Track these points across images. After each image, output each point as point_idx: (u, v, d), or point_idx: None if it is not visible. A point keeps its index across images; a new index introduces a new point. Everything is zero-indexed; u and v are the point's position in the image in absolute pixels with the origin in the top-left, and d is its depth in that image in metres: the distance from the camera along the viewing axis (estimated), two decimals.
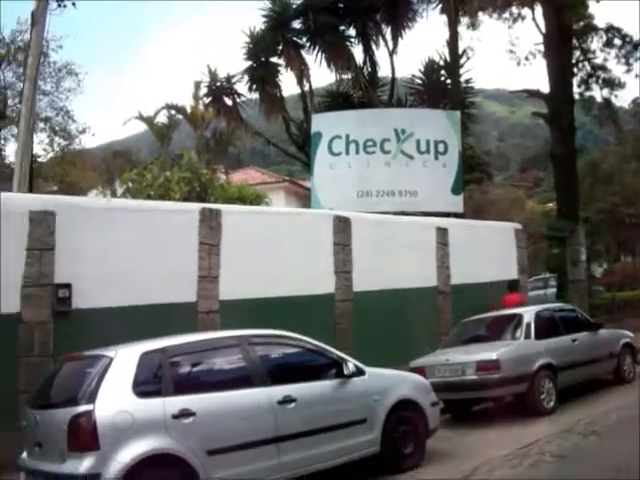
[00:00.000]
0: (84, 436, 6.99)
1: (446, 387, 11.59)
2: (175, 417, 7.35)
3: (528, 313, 13.20)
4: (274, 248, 13.82)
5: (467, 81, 27.10)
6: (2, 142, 29.64)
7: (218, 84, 26.98)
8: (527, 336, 12.62)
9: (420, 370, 11.89)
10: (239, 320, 11.21)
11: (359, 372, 9.03)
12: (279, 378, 8.33)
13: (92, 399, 7.12)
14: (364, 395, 8.97)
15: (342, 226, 15.28)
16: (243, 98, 27.27)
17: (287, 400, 8.16)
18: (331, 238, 15.05)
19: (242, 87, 26.86)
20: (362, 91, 25.93)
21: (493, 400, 12.90)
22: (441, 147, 21.12)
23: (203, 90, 28.86)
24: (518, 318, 13.08)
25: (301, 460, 8.20)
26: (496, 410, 12.69)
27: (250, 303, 13.00)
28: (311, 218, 15.83)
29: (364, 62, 26.96)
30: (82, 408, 7.08)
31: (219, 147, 34.62)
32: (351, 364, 8.95)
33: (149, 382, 7.54)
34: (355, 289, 15.18)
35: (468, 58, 27.13)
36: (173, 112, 36.64)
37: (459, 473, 8.70)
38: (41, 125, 27.58)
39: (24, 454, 8.11)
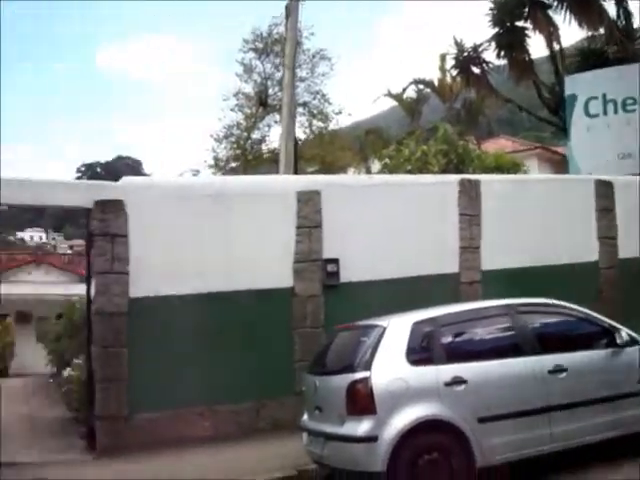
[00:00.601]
0: (362, 401, 7.37)
1: None
2: (447, 385, 7.51)
3: None
4: (534, 216, 13.60)
5: None
6: (266, 129, 31.77)
7: (465, 54, 26.77)
8: None
9: None
10: (501, 290, 11.21)
11: (633, 342, 8.64)
12: (549, 347, 8.19)
13: (368, 366, 7.47)
14: None
15: (604, 190, 14.65)
16: (490, 65, 26.88)
17: (558, 369, 8.01)
18: (593, 203, 14.51)
19: (489, 55, 26.47)
20: (617, 46, 24.51)
21: None
22: None
23: (450, 62, 28.83)
24: None
25: (572, 432, 8.02)
26: None
27: (511, 273, 12.93)
28: (570, 184, 15.35)
29: (617, 15, 25.45)
30: (359, 375, 7.45)
31: (469, 117, 34.35)
32: (624, 333, 8.61)
33: (421, 350, 7.74)
34: (620, 256, 14.56)
35: None
36: (421, 86, 36.84)
37: None
38: (300, 110, 29.17)
39: (305, 416, 8.69)
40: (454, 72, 28.91)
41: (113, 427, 10.82)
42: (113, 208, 11.08)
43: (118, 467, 9.83)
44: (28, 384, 22.32)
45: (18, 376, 27.29)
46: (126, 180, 12.10)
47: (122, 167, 75.39)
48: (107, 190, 11.46)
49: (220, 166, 31.50)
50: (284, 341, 11.69)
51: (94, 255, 11.20)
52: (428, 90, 36.98)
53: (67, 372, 15.59)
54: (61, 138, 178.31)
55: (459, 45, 26.79)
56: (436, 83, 36.27)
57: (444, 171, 18.15)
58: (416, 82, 36.62)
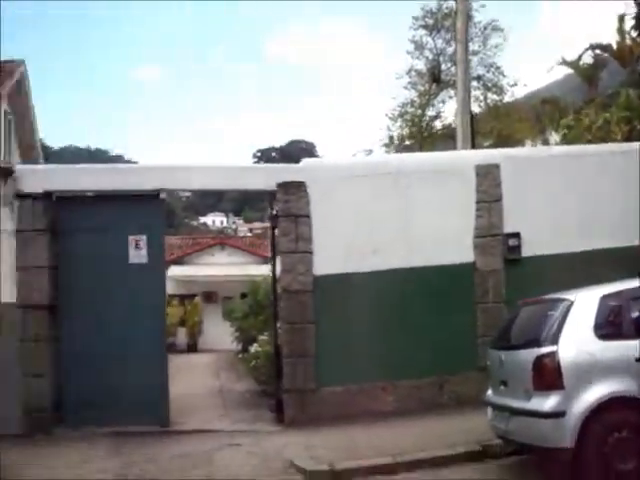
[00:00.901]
0: (549, 375, 7.26)
1: None
2: (638, 360, 7.22)
3: None
4: None
5: None
6: (440, 105, 31.67)
7: None
8: None
9: None
10: None
11: None
12: None
13: (555, 341, 7.33)
14: None
15: None
16: None
17: None
18: None
19: None
20: None
21: None
22: None
23: (629, 22, 27.52)
24: None
25: None
26: None
27: None
28: None
29: None
30: (546, 349, 7.32)
31: None
32: None
33: (609, 325, 7.50)
34: None
35: None
36: (598, 51, 35.30)
37: None
38: (474, 83, 28.80)
39: (489, 391, 8.65)
40: (634, 33, 27.61)
41: (300, 400, 11.29)
42: (295, 189, 11.49)
43: (305, 437, 10.24)
44: (218, 359, 23.51)
45: (206, 352, 28.79)
46: (306, 162, 12.49)
47: (296, 150, 77.05)
48: (288, 172, 11.89)
49: (394, 144, 31.64)
50: (466, 316, 11.70)
51: (279, 235, 11.68)
52: (606, 55, 35.40)
53: (254, 348, 16.33)
54: (235, 128, 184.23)
55: (639, 3, 25.51)
56: (615, 46, 34.62)
57: (627, 139, 17.38)
58: (593, 47, 35.08)
